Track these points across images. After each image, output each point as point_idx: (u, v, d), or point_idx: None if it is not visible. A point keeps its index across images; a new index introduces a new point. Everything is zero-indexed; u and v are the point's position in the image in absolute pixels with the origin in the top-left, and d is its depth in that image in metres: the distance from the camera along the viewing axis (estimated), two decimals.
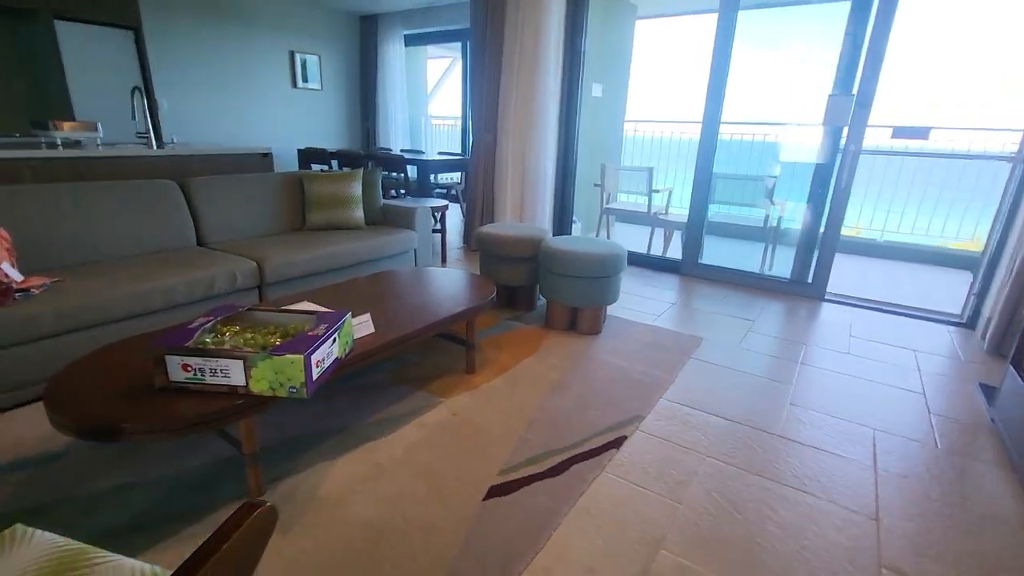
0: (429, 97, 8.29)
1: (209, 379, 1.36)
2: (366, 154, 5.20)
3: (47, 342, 1.89)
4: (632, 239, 5.31)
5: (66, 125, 3.26)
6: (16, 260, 2.07)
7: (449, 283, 2.38)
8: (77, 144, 3.17)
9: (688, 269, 3.97)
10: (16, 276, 1.96)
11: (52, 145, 3.02)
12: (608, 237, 5.11)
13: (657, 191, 4.63)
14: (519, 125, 4.07)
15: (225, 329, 1.53)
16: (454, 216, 6.13)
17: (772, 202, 4.08)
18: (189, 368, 1.35)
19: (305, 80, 6.42)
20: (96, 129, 3.39)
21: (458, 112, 6.93)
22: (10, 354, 1.80)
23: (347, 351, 1.61)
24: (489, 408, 2.00)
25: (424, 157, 5.23)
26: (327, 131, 6.74)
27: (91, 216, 2.39)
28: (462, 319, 2.05)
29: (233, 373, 1.35)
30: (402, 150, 6.36)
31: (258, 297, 2.59)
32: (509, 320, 2.92)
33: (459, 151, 6.16)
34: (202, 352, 1.34)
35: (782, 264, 3.86)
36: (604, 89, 5.12)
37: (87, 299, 1.95)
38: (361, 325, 1.77)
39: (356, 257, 2.99)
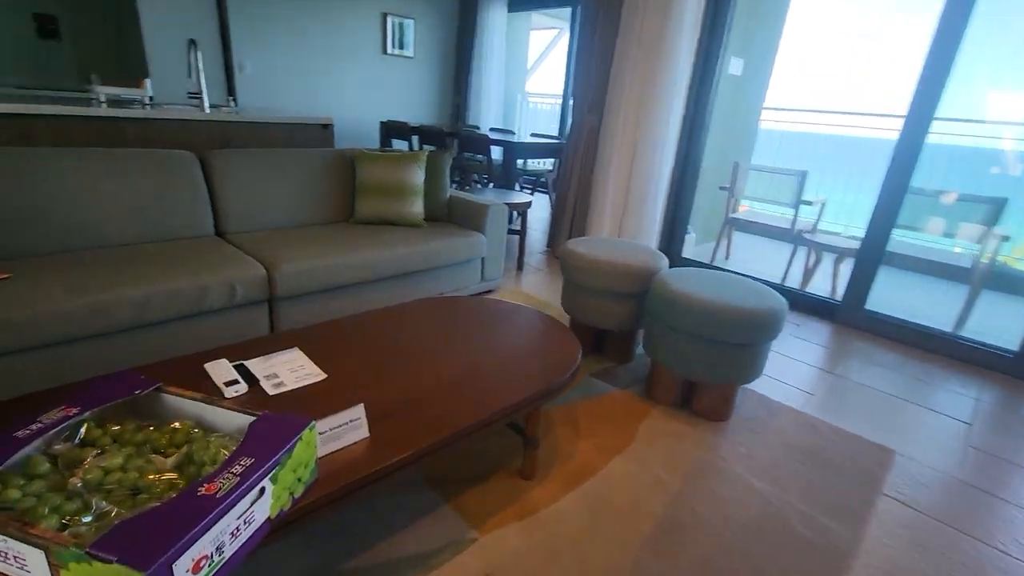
0: (529, 72, 7.48)
1: None
2: (450, 131, 4.53)
3: None
4: (760, 258, 4.22)
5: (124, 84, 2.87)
6: None
7: (514, 334, 1.61)
8: (120, 102, 2.76)
9: (849, 316, 2.88)
10: None
11: (90, 103, 2.62)
12: (727, 255, 4.07)
13: (809, 203, 3.52)
14: (633, 106, 3.16)
15: (97, 437, 0.88)
16: (540, 208, 5.33)
17: (994, 232, 2.85)
18: None
19: (398, 46, 5.87)
20: (143, 86, 2.98)
21: (559, 90, 6.06)
22: None
23: (298, 494, 0.90)
24: (547, 569, 1.22)
25: (512, 139, 4.46)
26: (415, 103, 6.18)
27: (82, 191, 1.89)
28: (525, 409, 1.28)
29: (34, 569, 0.68)
30: (491, 129, 5.64)
31: (268, 318, 1.98)
32: (594, 377, 2.10)
33: (555, 134, 5.32)
34: None
35: (995, 323, 2.67)
36: (744, 65, 4.01)
37: (22, 313, 1.42)
38: (349, 426, 1.05)
39: (401, 266, 2.30)
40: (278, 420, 0.89)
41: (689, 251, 3.69)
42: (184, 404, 0.95)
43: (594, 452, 1.63)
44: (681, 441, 1.74)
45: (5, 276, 1.59)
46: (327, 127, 3.21)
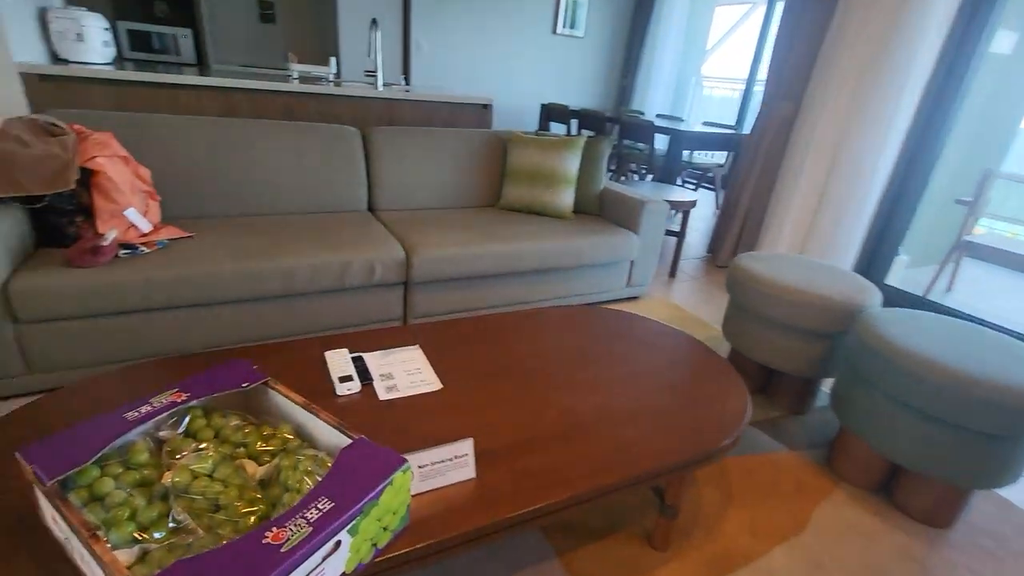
0: (707, 53, 6.74)
1: (77, 560, 0.66)
2: (611, 116, 4.23)
3: (124, 319, 1.52)
4: (999, 297, 3.23)
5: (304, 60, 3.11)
6: (157, 203, 1.78)
7: (666, 369, 1.32)
8: (309, 79, 2.98)
9: None
10: (143, 225, 1.65)
11: (285, 79, 2.86)
12: (950, 287, 3.18)
13: None
14: (846, 92, 2.54)
15: (199, 428, 0.83)
16: (702, 206, 4.77)
17: None
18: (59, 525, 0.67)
19: (569, 25, 5.65)
20: (329, 64, 3.19)
21: (743, 74, 5.33)
22: (74, 326, 1.47)
23: (382, 544, 0.75)
24: None
25: (681, 127, 4.00)
26: (578, 85, 5.93)
27: (255, 160, 2.02)
28: (672, 474, 1.00)
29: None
30: (657, 115, 5.17)
31: (402, 300, 1.94)
32: (756, 427, 1.71)
33: (731, 124, 4.68)
34: (68, 510, 0.63)
35: None
36: (1019, 42, 3.03)
37: (189, 271, 1.52)
38: (454, 463, 0.88)
39: (542, 262, 2.11)
40: (371, 452, 0.75)
41: (896, 277, 2.94)
42: (287, 405, 0.87)
43: (748, 532, 1.28)
44: (874, 543, 1.29)
45: (189, 235, 1.74)
46: (486, 107, 3.13)
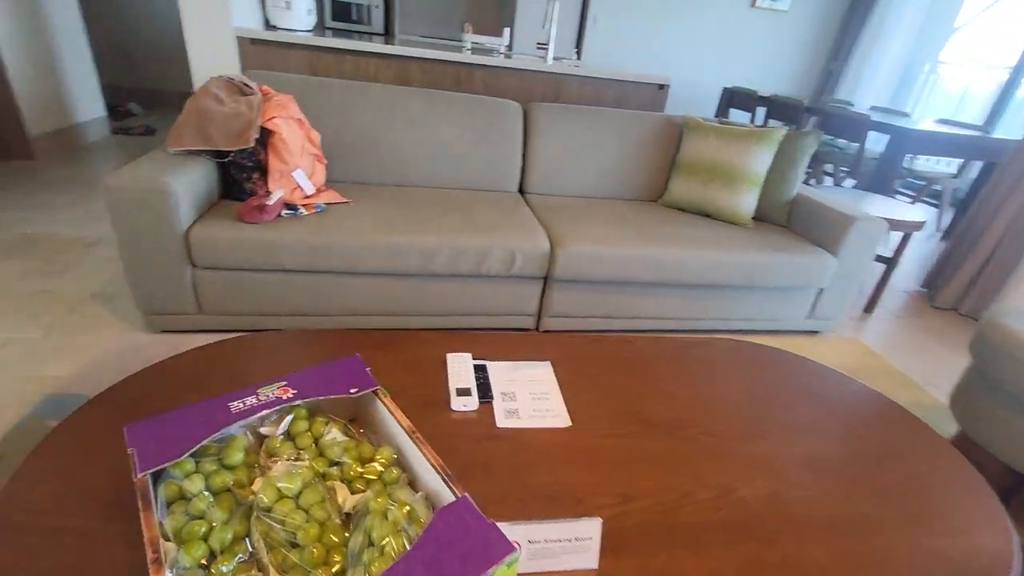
0: (951, 31, 5.37)
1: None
2: (811, 107, 3.55)
3: (274, 276, 1.57)
4: None
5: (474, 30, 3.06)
6: (323, 167, 1.82)
7: (872, 456, 0.96)
8: (481, 50, 2.92)
9: None
10: (307, 187, 1.69)
11: (459, 49, 2.83)
12: None
13: None
14: None
15: (300, 432, 0.74)
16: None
17: None
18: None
19: None
20: (502, 35, 3.09)
21: (1008, 60, 4.12)
22: (235, 276, 1.54)
23: None
24: None
25: (905, 123, 3.20)
26: (773, 68, 5.14)
27: (418, 130, 1.98)
28: None
29: None
30: (872, 108, 4.26)
31: (539, 297, 1.78)
32: None
33: (977, 124, 3.65)
34: (146, 517, 0.57)
35: None
36: None
37: (338, 239, 1.52)
38: (573, 545, 0.69)
39: (707, 275, 1.78)
40: (474, 523, 0.58)
41: None
42: (392, 424, 0.74)
43: None
44: None
45: (346, 201, 1.76)
46: (662, 88, 2.79)
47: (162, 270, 1.49)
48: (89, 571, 0.61)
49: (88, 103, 3.55)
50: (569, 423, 0.94)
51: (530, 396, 1.00)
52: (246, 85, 1.65)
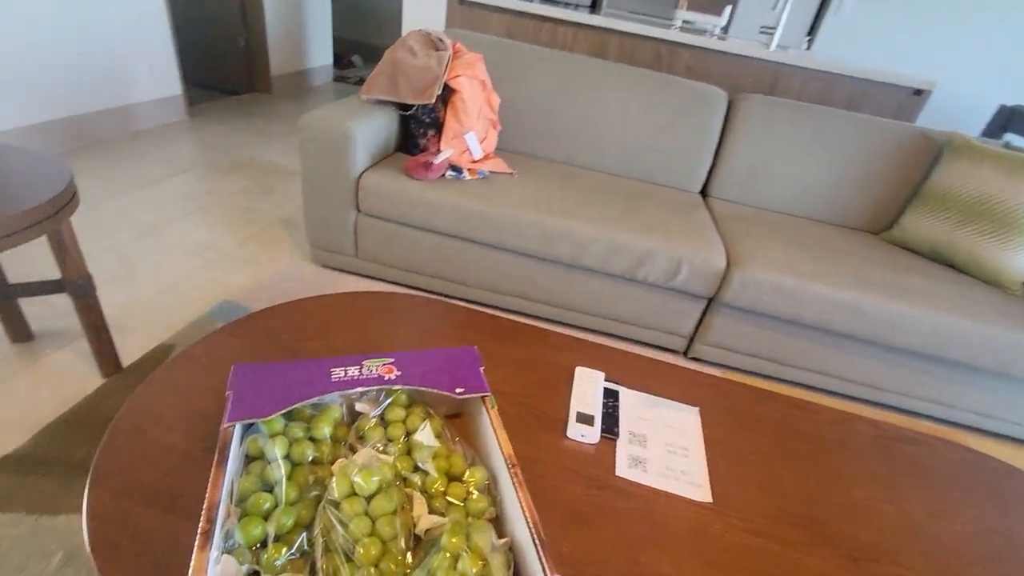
0: None
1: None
2: None
3: (426, 236, 1.54)
4: None
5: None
6: (496, 133, 1.76)
7: None
8: (692, 29, 2.62)
9: None
10: (476, 151, 1.65)
11: (666, 27, 2.57)
12: None
13: None
14: None
15: (392, 421, 0.65)
16: None
17: None
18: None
19: None
20: (721, 14, 2.72)
21: None
22: (391, 229, 1.55)
23: None
24: None
25: None
26: None
27: (600, 106, 1.81)
28: None
29: None
30: None
31: (697, 319, 1.51)
32: None
33: None
34: (216, 475, 0.52)
35: None
36: None
37: (493, 211, 1.45)
38: None
39: (935, 346, 1.35)
40: None
41: None
42: (492, 443, 0.62)
43: None
44: None
45: (510, 172, 1.68)
46: (919, 93, 2.20)
47: (332, 209, 1.56)
48: (182, 494, 0.60)
49: (319, 52, 4.03)
50: (710, 499, 0.73)
51: (665, 447, 0.80)
52: (440, 41, 1.64)
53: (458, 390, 0.65)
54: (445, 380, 0.67)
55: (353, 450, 0.62)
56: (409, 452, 0.63)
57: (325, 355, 0.85)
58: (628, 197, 1.65)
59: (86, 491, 0.60)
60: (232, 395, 0.59)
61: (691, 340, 1.57)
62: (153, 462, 0.63)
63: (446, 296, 1.70)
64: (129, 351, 1.28)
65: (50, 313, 1.34)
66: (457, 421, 0.74)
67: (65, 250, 1.00)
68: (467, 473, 0.61)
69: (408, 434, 0.65)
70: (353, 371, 0.65)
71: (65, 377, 1.18)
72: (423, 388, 0.65)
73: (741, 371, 1.60)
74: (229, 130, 2.84)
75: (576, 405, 0.83)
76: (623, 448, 0.79)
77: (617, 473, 0.74)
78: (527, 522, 0.52)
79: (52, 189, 0.93)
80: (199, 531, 0.46)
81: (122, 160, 2.27)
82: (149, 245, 1.72)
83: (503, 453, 0.59)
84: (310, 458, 0.60)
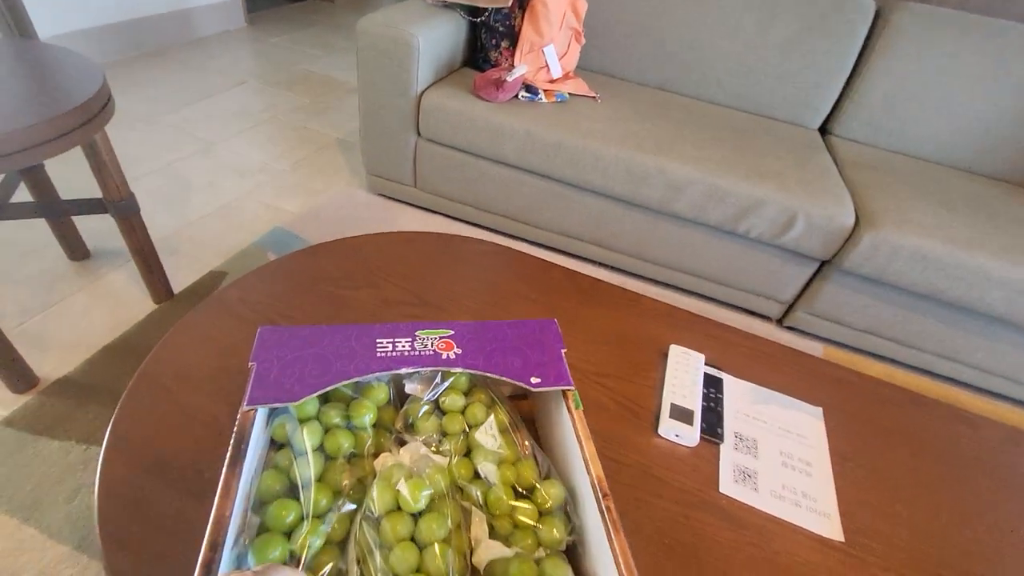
0: None
1: None
2: None
3: (492, 167, 1.36)
4: None
5: None
6: (578, 47, 1.50)
7: None
8: None
9: None
10: (555, 69, 1.41)
11: None
12: None
13: None
14: None
15: (452, 409, 0.52)
16: None
17: None
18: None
19: None
20: None
21: None
22: (454, 157, 1.38)
23: None
24: None
25: None
26: None
27: (707, 19, 1.49)
28: None
29: None
30: None
31: (802, 286, 1.28)
32: None
33: None
34: (232, 473, 0.41)
35: None
36: None
37: (572, 141, 1.24)
38: None
39: None
40: None
41: None
42: (573, 450, 0.48)
43: None
44: None
45: (592, 96, 1.44)
46: None
47: (389, 132, 1.40)
48: (205, 469, 0.51)
49: None
50: (841, 536, 0.57)
51: (780, 457, 0.64)
52: None
53: (534, 380, 0.51)
54: (516, 364, 0.52)
55: (401, 443, 0.50)
56: (468, 452, 0.51)
57: (375, 307, 0.72)
58: (734, 132, 1.38)
59: (100, 461, 0.51)
60: (255, 368, 0.47)
61: (790, 307, 1.35)
62: (176, 431, 0.54)
63: (511, 237, 1.53)
64: (181, 277, 1.23)
65: (107, 229, 1.30)
66: (524, 405, 0.61)
67: (103, 166, 0.91)
68: (539, 488, 0.48)
69: (468, 428, 0.52)
70: (404, 344, 0.52)
71: (119, 299, 1.15)
72: (490, 375, 0.51)
73: (848, 348, 1.37)
74: (289, 41, 2.67)
75: (670, 395, 0.67)
76: (728, 456, 0.63)
77: (721, 489, 0.59)
78: (615, 554, 0.39)
79: (83, 93, 0.81)
80: (199, 560, 0.36)
81: (179, 70, 2.18)
82: (204, 163, 1.64)
83: (590, 475, 0.45)
84: (347, 452, 0.48)
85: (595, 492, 0.44)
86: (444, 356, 0.51)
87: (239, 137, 1.80)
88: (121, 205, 0.97)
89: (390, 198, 1.60)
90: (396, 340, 0.52)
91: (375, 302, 0.73)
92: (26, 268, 1.18)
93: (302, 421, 0.48)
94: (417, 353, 0.51)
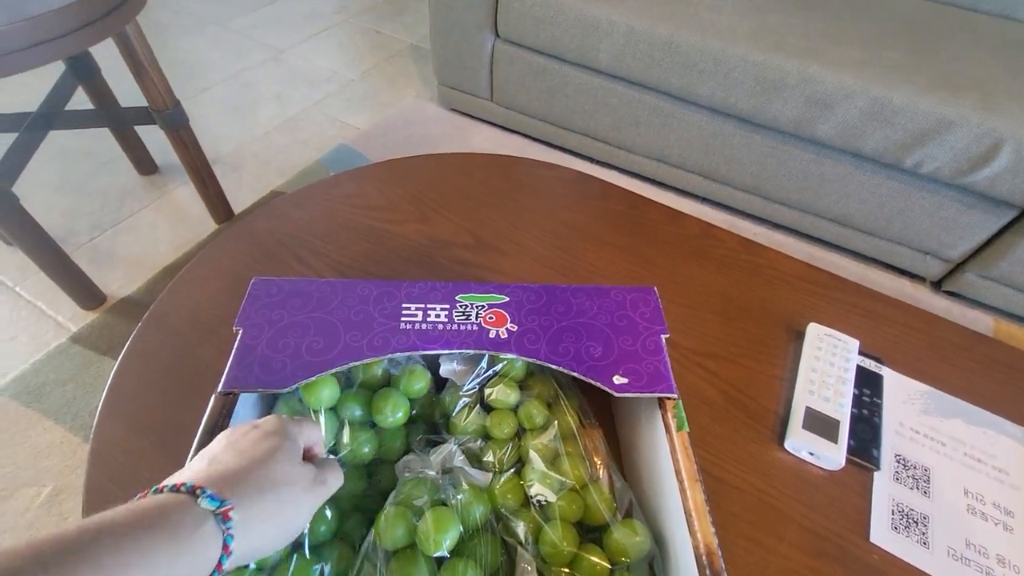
0: None
1: None
2: None
3: (582, 75, 1.13)
4: None
5: None
6: None
7: None
8: None
9: None
10: None
11: None
12: None
13: None
14: None
15: (499, 405, 0.38)
16: None
17: None
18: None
19: None
20: None
21: None
22: (537, 62, 1.15)
23: None
24: None
25: None
26: None
27: None
28: None
29: None
30: None
31: (983, 241, 0.96)
32: None
33: None
34: None
35: None
36: None
37: (685, 36, 0.97)
38: None
39: None
40: None
41: None
42: (670, 479, 0.33)
43: None
44: None
45: None
46: None
47: (463, 29, 1.20)
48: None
49: None
50: None
51: (964, 498, 0.45)
52: None
53: (617, 380, 0.35)
54: (594, 352, 0.36)
55: (432, 443, 0.38)
56: (518, 466, 0.37)
57: (420, 247, 0.58)
58: (913, 27, 1.03)
59: (95, 423, 0.44)
60: (240, 336, 0.35)
61: (957, 267, 1.05)
62: (180, 393, 0.45)
63: (598, 163, 1.31)
64: (242, 196, 1.16)
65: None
66: (601, 401, 0.45)
67: (141, 68, 0.82)
68: (614, 531, 0.33)
69: (521, 431, 0.38)
70: (438, 313, 0.37)
71: (183, 218, 1.11)
72: (553, 366, 0.35)
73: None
74: None
75: (805, 394, 0.48)
76: (885, 489, 0.45)
77: (872, 538, 0.42)
78: None
79: None
80: None
81: None
82: (273, 72, 1.54)
83: (694, 538, 0.30)
84: (368, 458, 0.36)
85: (700, 565, 0.29)
86: (492, 334, 0.36)
87: (308, 43, 1.67)
88: (167, 115, 0.89)
89: (463, 113, 1.42)
90: (428, 306, 0.38)
91: (421, 240, 0.59)
92: (99, 180, 1.17)
93: (314, 411, 0.36)
94: (456, 327, 0.37)
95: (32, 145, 0.84)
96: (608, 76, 1.11)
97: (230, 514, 0.21)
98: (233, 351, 0.34)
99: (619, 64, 1.05)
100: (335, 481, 0.29)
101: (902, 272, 1.13)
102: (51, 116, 0.89)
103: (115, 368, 0.47)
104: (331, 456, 0.32)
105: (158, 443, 0.42)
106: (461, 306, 0.38)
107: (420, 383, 0.38)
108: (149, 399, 0.45)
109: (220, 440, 0.27)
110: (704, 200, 1.24)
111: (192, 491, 0.21)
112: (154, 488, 0.22)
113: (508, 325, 0.37)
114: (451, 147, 1.31)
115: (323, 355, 0.35)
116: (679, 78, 1.01)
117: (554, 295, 0.39)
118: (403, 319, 0.37)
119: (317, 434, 0.30)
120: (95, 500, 0.40)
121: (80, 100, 0.97)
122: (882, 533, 0.42)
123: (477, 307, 0.38)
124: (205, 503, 0.21)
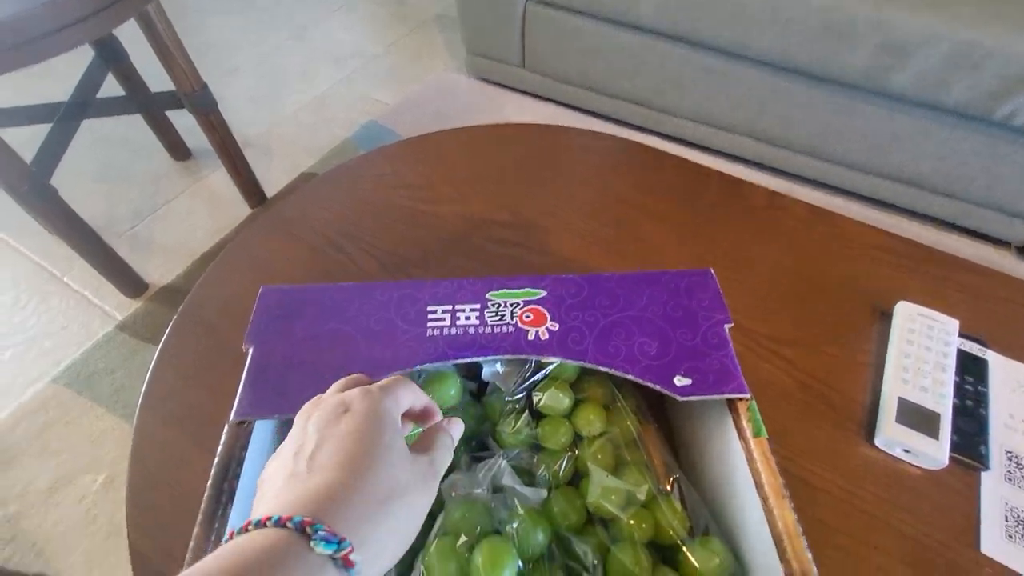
0: None
1: None
2: None
3: (624, 35, 1.04)
4: None
5: None
6: None
7: None
8: None
9: None
10: None
11: None
12: None
13: None
14: None
15: (550, 412, 0.34)
16: None
17: None
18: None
19: None
20: None
21: None
22: (572, 23, 1.07)
23: None
24: None
25: None
26: None
27: None
28: None
29: None
30: None
31: None
32: None
33: None
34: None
35: None
36: None
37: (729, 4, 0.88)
38: None
39: None
40: None
41: None
42: (742, 490, 0.28)
43: None
44: None
45: None
46: None
47: None
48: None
49: None
50: None
51: None
52: None
53: (679, 381, 0.30)
54: (649, 350, 0.32)
55: (477, 458, 0.34)
56: (575, 478, 0.33)
57: (457, 229, 0.54)
58: None
59: (135, 417, 0.43)
60: (251, 355, 0.32)
61: None
62: (216, 387, 0.44)
63: (640, 129, 1.23)
64: (274, 178, 1.15)
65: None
66: (650, 429, 0.41)
67: (165, 50, 0.79)
68: (688, 551, 0.29)
69: (576, 440, 0.34)
70: (468, 315, 0.33)
71: (218, 203, 1.11)
72: (602, 368, 0.31)
73: None
74: None
75: (898, 383, 0.43)
76: (996, 491, 0.39)
77: (982, 548, 0.37)
78: None
79: None
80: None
81: None
82: (298, 50, 1.51)
83: (787, 564, 0.25)
84: None
85: (781, 535, 0.24)
86: (531, 336, 0.32)
87: (332, 18, 1.62)
88: (195, 97, 0.87)
89: (494, 83, 1.36)
90: (457, 307, 0.34)
91: (458, 221, 0.55)
92: (135, 167, 1.17)
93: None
94: (490, 330, 0.32)
95: (67, 135, 0.84)
96: (649, 33, 1.02)
97: (352, 558, 0.16)
98: (244, 373, 0.31)
99: (662, 17, 0.96)
100: (444, 459, 0.23)
101: (982, 237, 1.02)
102: (84, 105, 0.88)
103: (152, 362, 0.45)
104: (430, 418, 0.27)
105: (196, 438, 0.41)
106: (494, 305, 0.34)
107: (452, 389, 0.34)
108: (186, 395, 0.44)
109: (306, 428, 0.21)
110: (755, 164, 1.15)
111: (300, 527, 0.16)
112: (238, 528, 0.17)
113: (548, 324, 0.33)
114: (483, 118, 1.25)
115: (343, 373, 0.31)
116: (730, 30, 0.92)
117: (597, 286, 0.35)
118: (429, 324, 0.33)
119: (411, 394, 0.24)
120: (138, 496, 0.38)
121: (111, 88, 0.96)
122: (994, 542, 0.37)
123: (512, 305, 0.34)
124: (320, 548, 0.16)
